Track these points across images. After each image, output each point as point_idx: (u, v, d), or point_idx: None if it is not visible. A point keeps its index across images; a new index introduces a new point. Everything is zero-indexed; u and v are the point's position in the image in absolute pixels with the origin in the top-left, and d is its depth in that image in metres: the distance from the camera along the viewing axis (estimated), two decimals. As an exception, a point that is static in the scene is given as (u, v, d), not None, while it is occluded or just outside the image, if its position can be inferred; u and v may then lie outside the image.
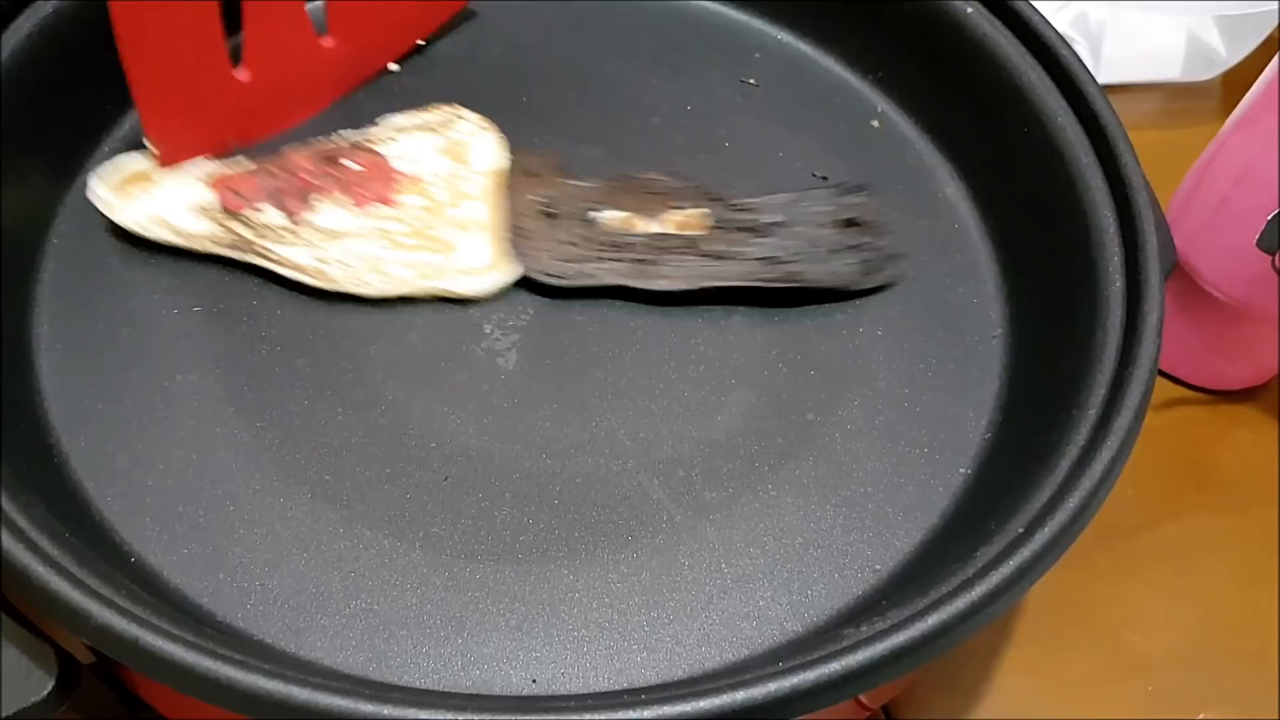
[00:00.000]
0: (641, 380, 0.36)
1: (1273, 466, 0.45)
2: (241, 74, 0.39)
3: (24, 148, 0.36)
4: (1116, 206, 0.36)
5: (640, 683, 0.31)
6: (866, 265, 0.38)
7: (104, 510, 0.32)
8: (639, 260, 0.38)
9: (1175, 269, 0.40)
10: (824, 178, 0.42)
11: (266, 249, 0.37)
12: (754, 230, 0.38)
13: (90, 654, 0.32)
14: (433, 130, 0.40)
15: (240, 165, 0.38)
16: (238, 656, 0.26)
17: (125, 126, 0.40)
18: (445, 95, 0.42)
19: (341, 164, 0.38)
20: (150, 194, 0.37)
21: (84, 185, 0.38)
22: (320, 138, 0.39)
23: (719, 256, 0.38)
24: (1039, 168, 0.38)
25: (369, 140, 0.40)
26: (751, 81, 0.44)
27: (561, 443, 0.35)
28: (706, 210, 0.39)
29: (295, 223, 0.37)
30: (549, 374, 0.36)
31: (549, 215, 0.38)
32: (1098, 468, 0.30)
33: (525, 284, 0.38)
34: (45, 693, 0.30)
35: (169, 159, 0.38)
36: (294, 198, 0.37)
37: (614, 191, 0.39)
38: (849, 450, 0.35)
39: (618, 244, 0.38)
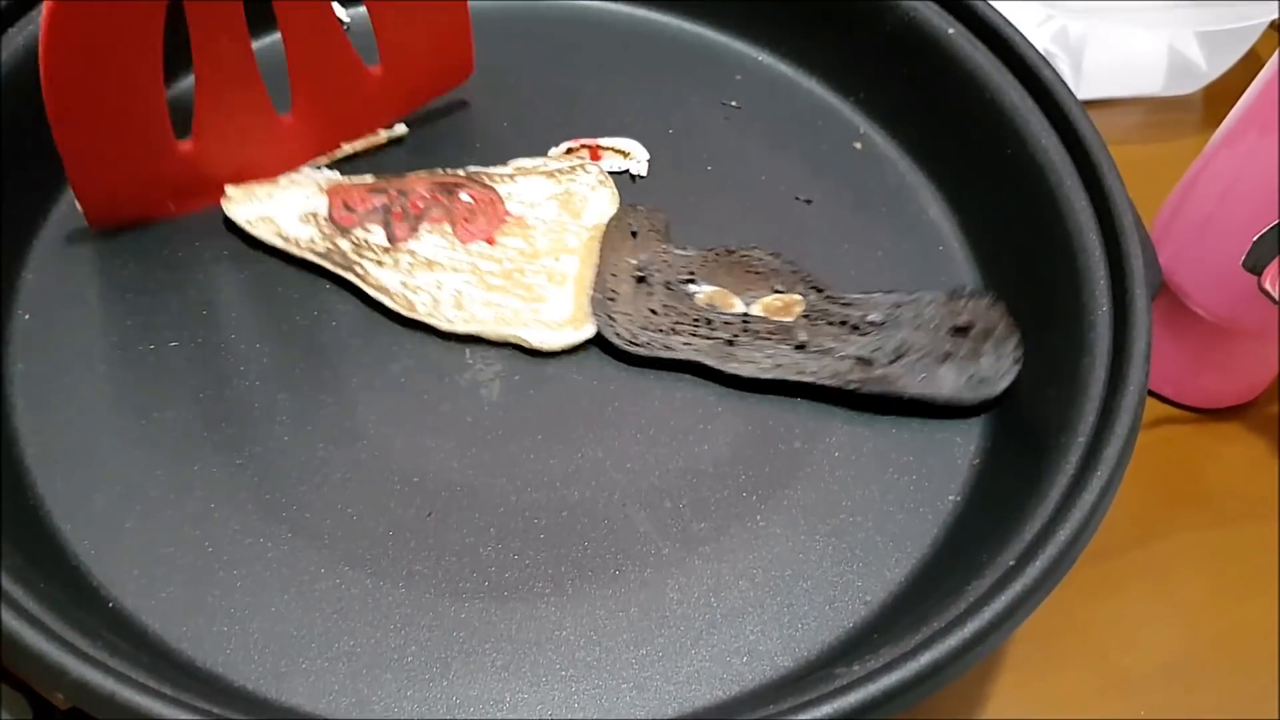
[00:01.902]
0: (626, 409, 0.36)
1: (1260, 482, 0.45)
2: (186, 145, 0.37)
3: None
4: (1101, 228, 0.36)
5: (629, 723, 0.30)
6: (975, 380, 0.36)
7: (80, 553, 0.32)
8: (723, 340, 0.36)
9: (1161, 288, 0.40)
10: (807, 200, 0.41)
11: (359, 266, 0.37)
12: (851, 326, 0.37)
13: (66, 701, 0.31)
14: (553, 176, 0.40)
15: (358, 177, 0.39)
16: (215, 710, 0.25)
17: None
18: (421, 115, 0.41)
19: (456, 195, 0.38)
20: (271, 195, 0.38)
21: (56, 221, 0.38)
22: (445, 169, 0.39)
23: (808, 349, 0.36)
24: (1022, 189, 0.38)
25: (489, 176, 0.39)
26: (733, 103, 0.44)
27: (546, 475, 0.34)
28: (803, 298, 0.38)
29: (395, 246, 0.37)
30: (533, 404, 0.36)
31: (640, 280, 0.38)
32: (1088, 498, 0.30)
33: (598, 344, 0.37)
34: (21, 742, 0.29)
35: (95, 221, 0.37)
36: (402, 221, 0.37)
37: (711, 264, 0.38)
38: (837, 478, 0.35)
39: (703, 320, 0.37)
